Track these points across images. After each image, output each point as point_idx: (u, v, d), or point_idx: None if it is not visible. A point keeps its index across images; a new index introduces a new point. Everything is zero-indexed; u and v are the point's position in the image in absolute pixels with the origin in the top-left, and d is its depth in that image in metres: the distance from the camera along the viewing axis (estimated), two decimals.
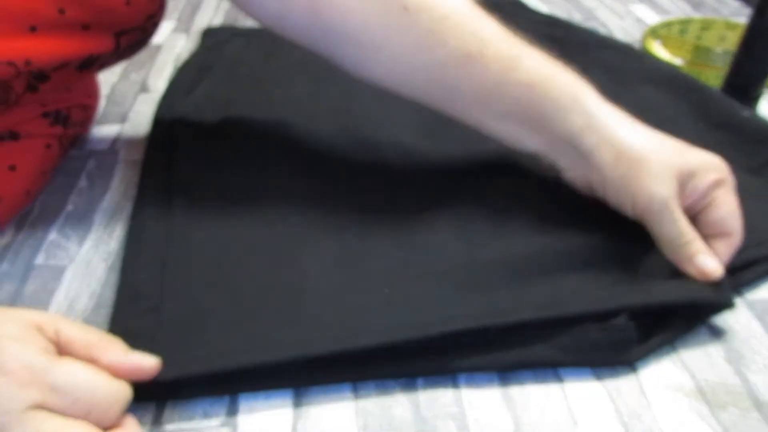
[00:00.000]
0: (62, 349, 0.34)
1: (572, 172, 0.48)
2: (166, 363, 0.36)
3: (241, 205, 0.50)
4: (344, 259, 0.45)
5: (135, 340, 0.37)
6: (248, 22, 0.85)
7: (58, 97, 0.54)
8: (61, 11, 0.43)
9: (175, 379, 0.37)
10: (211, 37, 0.79)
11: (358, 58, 0.48)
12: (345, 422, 0.37)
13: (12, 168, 0.49)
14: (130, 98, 0.68)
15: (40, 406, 0.32)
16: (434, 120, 0.60)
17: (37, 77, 0.46)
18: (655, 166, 0.44)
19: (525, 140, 0.48)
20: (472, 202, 0.50)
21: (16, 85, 0.45)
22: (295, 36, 0.49)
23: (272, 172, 0.54)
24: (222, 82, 0.68)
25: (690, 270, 0.42)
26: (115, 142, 0.62)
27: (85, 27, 0.45)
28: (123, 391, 0.34)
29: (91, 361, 0.34)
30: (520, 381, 0.40)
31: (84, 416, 0.33)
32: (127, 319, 0.40)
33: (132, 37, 0.49)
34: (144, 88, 0.70)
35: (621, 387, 0.40)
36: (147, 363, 0.36)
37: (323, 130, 0.60)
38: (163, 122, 0.61)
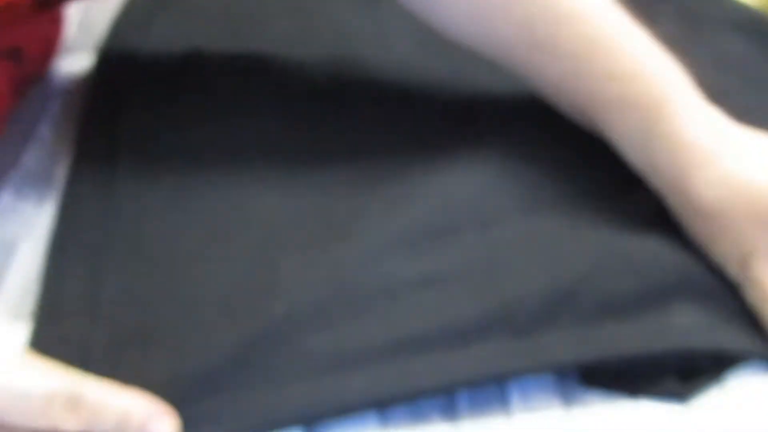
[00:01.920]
0: None
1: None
2: None
3: (204, 176, 0.41)
4: (332, 253, 0.36)
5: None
6: None
7: (9, 32, 0.44)
8: None
9: None
10: None
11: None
12: None
13: None
14: (106, 23, 0.58)
15: None
16: (446, 66, 0.49)
17: None
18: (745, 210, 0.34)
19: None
20: (489, 174, 0.40)
21: None
22: None
23: (245, 134, 0.44)
24: (183, 18, 0.56)
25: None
26: (85, 79, 0.52)
27: None
28: None
29: None
30: (584, 401, 0.32)
31: None
32: (50, 344, 0.32)
33: None
34: None
35: None
36: None
37: (311, 81, 0.49)
38: (108, 69, 0.51)
